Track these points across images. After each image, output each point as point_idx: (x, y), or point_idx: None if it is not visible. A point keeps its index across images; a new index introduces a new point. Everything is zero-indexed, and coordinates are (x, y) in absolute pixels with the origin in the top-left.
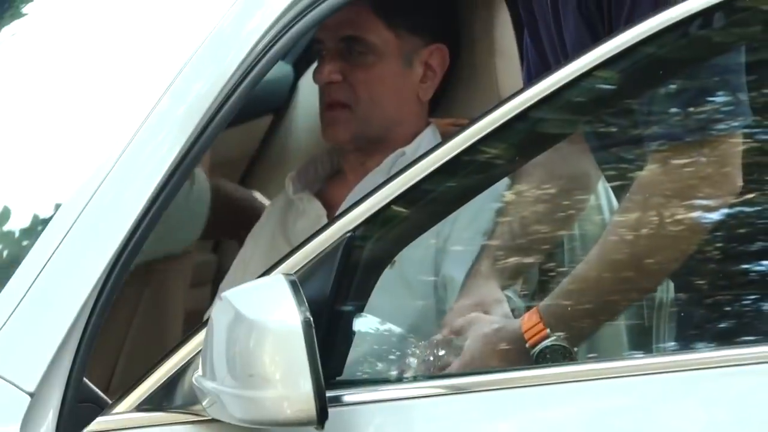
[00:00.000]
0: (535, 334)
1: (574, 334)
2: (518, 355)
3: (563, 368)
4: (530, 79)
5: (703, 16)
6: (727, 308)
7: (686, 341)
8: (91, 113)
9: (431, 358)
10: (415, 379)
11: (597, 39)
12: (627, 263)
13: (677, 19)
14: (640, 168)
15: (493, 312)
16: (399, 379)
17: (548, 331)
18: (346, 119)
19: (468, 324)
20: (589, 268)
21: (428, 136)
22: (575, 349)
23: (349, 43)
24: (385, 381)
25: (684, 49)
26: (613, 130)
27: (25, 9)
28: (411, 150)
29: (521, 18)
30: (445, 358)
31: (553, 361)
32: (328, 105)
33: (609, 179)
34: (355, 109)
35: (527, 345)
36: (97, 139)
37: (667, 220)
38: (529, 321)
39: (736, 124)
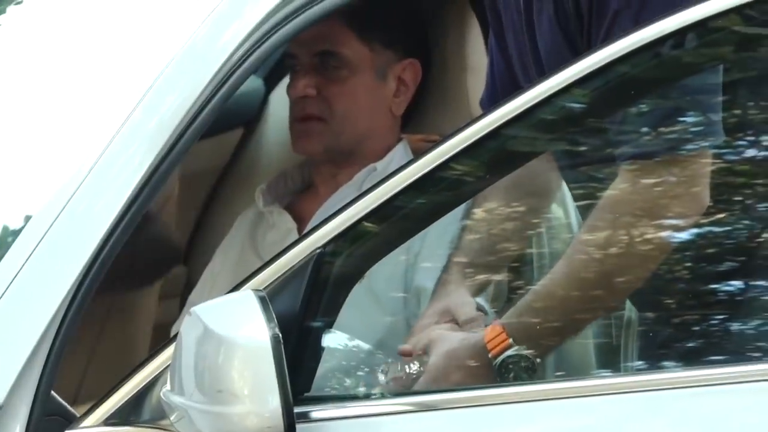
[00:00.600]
0: (498, 345)
1: (537, 348)
2: (481, 368)
3: (531, 387)
4: (493, 80)
5: (677, 36)
6: (695, 328)
7: (654, 361)
8: (62, 125)
9: (401, 375)
10: (383, 395)
11: (573, 46)
12: (594, 281)
13: (650, 39)
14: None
15: (460, 314)
16: (367, 396)
17: (511, 341)
18: (319, 131)
19: (431, 341)
20: (553, 284)
21: (400, 151)
22: (537, 360)
23: (324, 57)
24: (354, 397)
25: (656, 68)
26: (584, 148)
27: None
28: (382, 165)
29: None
30: (413, 375)
31: (516, 372)
32: (301, 118)
33: (578, 198)
34: (329, 123)
35: (490, 355)
36: (69, 150)
37: (636, 239)
38: (492, 332)
39: (706, 144)
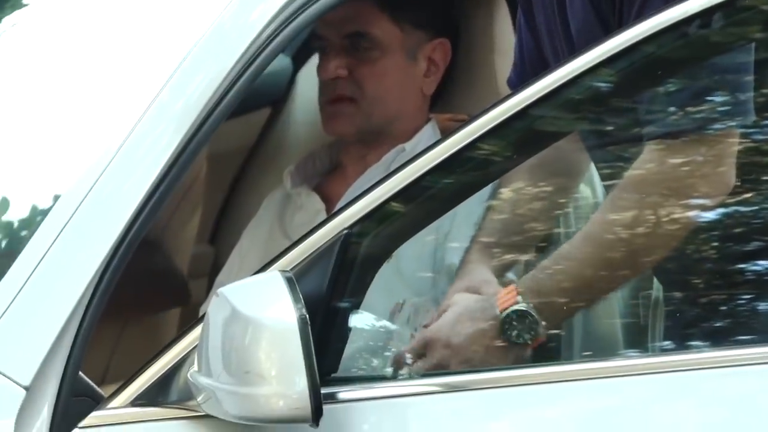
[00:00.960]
0: (507, 300)
1: (545, 309)
2: (490, 322)
3: (558, 367)
4: (522, 59)
5: (703, 16)
6: (723, 308)
7: (682, 341)
8: (90, 106)
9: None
10: (410, 376)
11: (605, 25)
12: (613, 255)
13: (677, 19)
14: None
15: (482, 291)
16: (394, 377)
17: (519, 297)
18: (351, 113)
19: (452, 302)
20: (570, 249)
21: (428, 131)
22: (543, 323)
23: (355, 38)
24: (381, 378)
25: (683, 48)
26: (611, 128)
27: (26, 0)
28: (410, 146)
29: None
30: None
31: (518, 328)
32: (332, 99)
33: (605, 177)
34: (360, 103)
35: (498, 311)
36: (97, 131)
37: (659, 217)
38: (504, 291)
39: (733, 123)
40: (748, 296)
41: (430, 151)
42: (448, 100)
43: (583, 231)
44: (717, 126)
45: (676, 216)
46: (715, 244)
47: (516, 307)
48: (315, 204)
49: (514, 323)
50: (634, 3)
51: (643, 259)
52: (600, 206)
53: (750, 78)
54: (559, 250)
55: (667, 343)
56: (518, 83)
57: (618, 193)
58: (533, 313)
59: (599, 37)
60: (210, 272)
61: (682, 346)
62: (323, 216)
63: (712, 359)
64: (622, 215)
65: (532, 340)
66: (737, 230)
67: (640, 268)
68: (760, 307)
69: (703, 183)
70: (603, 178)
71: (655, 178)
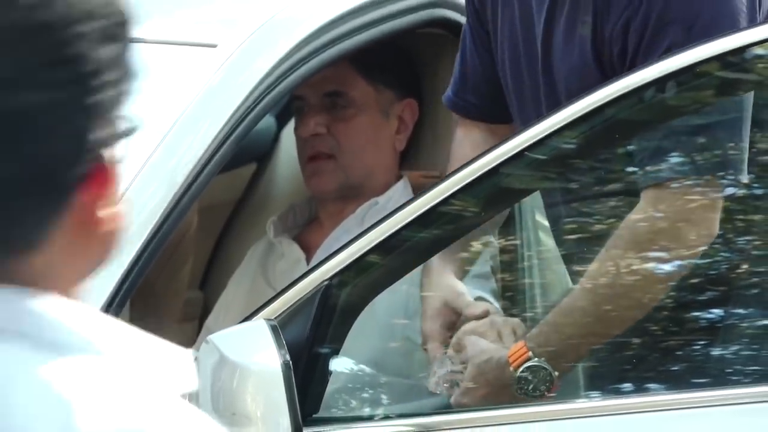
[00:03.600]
0: (518, 358)
1: (555, 360)
2: (504, 383)
3: (522, 410)
4: (462, 78)
5: (659, 82)
6: (680, 353)
7: (641, 383)
8: None
9: (443, 374)
10: (386, 417)
11: (603, 72)
12: (612, 300)
13: (636, 85)
14: (603, 220)
15: (460, 305)
16: (371, 417)
17: (530, 354)
18: (331, 169)
19: (467, 348)
20: (573, 301)
21: (400, 187)
22: (555, 373)
23: (332, 97)
24: (359, 418)
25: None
26: (574, 186)
27: None
28: (383, 200)
29: None
30: (453, 375)
31: (534, 383)
32: (311, 156)
33: (568, 232)
34: (339, 159)
35: (511, 368)
36: None
37: (650, 261)
38: (514, 348)
39: (722, 175)
40: (703, 342)
41: (406, 207)
42: (417, 156)
43: (584, 280)
44: (705, 177)
45: (671, 260)
46: (672, 293)
47: (530, 363)
48: (295, 253)
49: (529, 378)
50: (653, 49)
51: (646, 303)
52: (599, 254)
53: (741, 134)
54: (560, 305)
55: (626, 386)
56: (454, 99)
57: (614, 242)
58: (546, 366)
59: (592, 82)
60: (200, 315)
61: (641, 388)
62: (304, 264)
63: (669, 401)
64: (620, 263)
65: (548, 391)
66: (695, 280)
67: (643, 312)
68: (714, 353)
69: (691, 231)
70: (565, 233)
71: (648, 225)
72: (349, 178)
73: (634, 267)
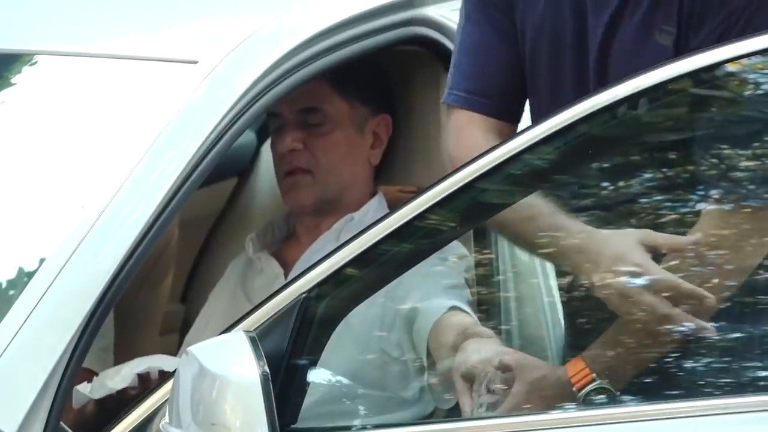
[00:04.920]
0: (581, 379)
1: (616, 378)
2: (563, 399)
3: (515, 419)
4: (473, 68)
5: (631, 99)
6: (653, 365)
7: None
8: (74, 180)
9: (484, 394)
10: (363, 427)
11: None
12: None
13: (609, 102)
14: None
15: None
16: (348, 428)
17: (594, 375)
18: (307, 184)
19: (515, 365)
20: (622, 323)
21: (375, 202)
22: (618, 392)
23: (308, 113)
24: (336, 429)
25: (614, 128)
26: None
27: (14, 78)
28: (359, 215)
29: None
30: (494, 396)
31: (600, 402)
32: (289, 172)
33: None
34: (316, 174)
35: (574, 389)
36: (79, 201)
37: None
38: (574, 368)
39: None
40: (676, 354)
41: (383, 221)
42: (392, 170)
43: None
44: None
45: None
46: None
47: (594, 385)
48: (274, 268)
49: (594, 399)
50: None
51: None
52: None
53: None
54: (614, 325)
55: (601, 397)
56: (465, 96)
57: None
58: (610, 387)
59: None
60: (181, 327)
61: (615, 399)
62: (282, 280)
63: (644, 412)
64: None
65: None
66: None
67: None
68: (686, 365)
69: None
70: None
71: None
72: (326, 193)
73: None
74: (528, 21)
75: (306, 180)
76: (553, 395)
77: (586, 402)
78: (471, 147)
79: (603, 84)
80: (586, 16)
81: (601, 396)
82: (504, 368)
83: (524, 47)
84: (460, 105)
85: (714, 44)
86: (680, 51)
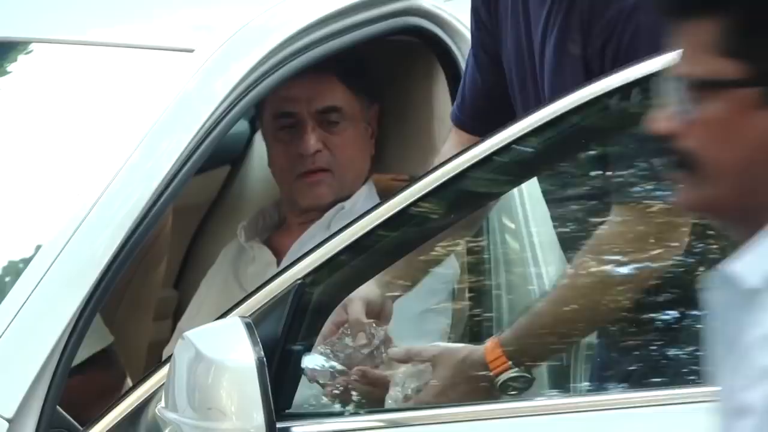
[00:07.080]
0: (498, 366)
1: (531, 365)
2: (484, 382)
3: (492, 405)
4: (472, 95)
5: (623, 90)
6: (636, 353)
7: (601, 382)
8: (71, 167)
9: (407, 386)
10: (356, 413)
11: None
12: (585, 304)
13: (599, 93)
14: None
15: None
16: (341, 413)
17: (510, 363)
18: (328, 183)
19: (437, 353)
20: (548, 306)
21: (365, 191)
22: (533, 378)
23: (326, 113)
24: (329, 414)
25: (605, 119)
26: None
27: (9, 67)
28: (349, 204)
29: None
30: (419, 386)
31: (518, 387)
32: (310, 171)
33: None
34: (334, 173)
35: (491, 374)
36: (75, 188)
37: (623, 269)
38: (492, 353)
39: None
40: (660, 342)
41: (377, 209)
42: (384, 159)
43: (560, 285)
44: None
45: (639, 269)
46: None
47: (511, 374)
48: (266, 256)
49: (511, 384)
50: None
51: (617, 306)
52: (574, 260)
53: None
54: (537, 307)
55: (587, 384)
56: (460, 117)
57: (589, 249)
58: (527, 374)
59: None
60: (174, 314)
61: (599, 387)
62: (274, 267)
63: (627, 400)
64: (594, 272)
65: (526, 391)
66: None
67: (614, 316)
68: (670, 353)
69: (664, 239)
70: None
71: (622, 235)
72: (343, 190)
73: (603, 274)
74: (503, 40)
75: (327, 179)
76: (473, 377)
77: (503, 387)
78: (444, 154)
79: (542, 101)
80: (534, 40)
81: (518, 380)
82: (427, 361)
83: (504, 65)
84: (452, 119)
85: (599, 51)
86: (587, 59)
